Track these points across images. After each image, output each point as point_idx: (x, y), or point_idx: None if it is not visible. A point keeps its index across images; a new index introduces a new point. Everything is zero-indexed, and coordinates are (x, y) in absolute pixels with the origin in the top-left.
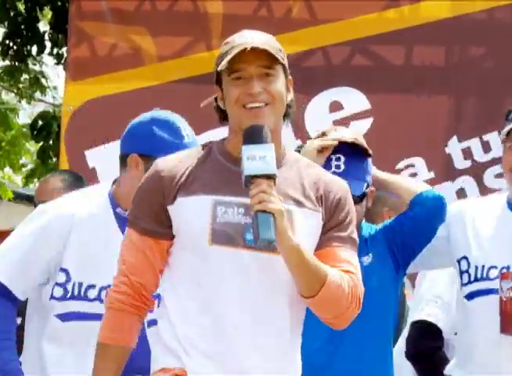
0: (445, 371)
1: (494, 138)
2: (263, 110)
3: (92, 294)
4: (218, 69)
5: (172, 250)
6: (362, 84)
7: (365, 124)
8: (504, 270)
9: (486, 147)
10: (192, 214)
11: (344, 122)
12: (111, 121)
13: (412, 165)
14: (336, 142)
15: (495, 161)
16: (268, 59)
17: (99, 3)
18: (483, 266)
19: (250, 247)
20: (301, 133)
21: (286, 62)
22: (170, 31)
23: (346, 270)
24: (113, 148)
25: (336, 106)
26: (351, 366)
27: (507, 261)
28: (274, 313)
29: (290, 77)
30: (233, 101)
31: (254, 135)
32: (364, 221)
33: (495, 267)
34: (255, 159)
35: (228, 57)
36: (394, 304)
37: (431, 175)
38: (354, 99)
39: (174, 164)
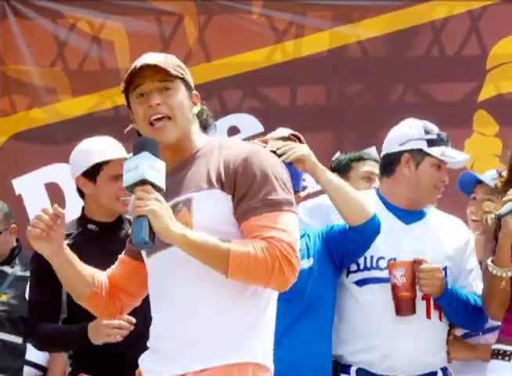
0: None
1: None
2: (166, 125)
3: None
4: (121, 89)
5: None
6: None
7: None
8: (392, 260)
9: None
10: None
11: None
12: None
13: None
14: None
15: None
16: (164, 74)
17: None
18: (371, 257)
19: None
20: None
21: (187, 77)
22: None
23: (263, 237)
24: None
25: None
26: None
27: (393, 252)
28: (199, 300)
29: (194, 92)
30: (140, 118)
31: (135, 149)
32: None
33: (383, 258)
34: (130, 170)
35: (126, 77)
36: (333, 301)
37: None
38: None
39: None
